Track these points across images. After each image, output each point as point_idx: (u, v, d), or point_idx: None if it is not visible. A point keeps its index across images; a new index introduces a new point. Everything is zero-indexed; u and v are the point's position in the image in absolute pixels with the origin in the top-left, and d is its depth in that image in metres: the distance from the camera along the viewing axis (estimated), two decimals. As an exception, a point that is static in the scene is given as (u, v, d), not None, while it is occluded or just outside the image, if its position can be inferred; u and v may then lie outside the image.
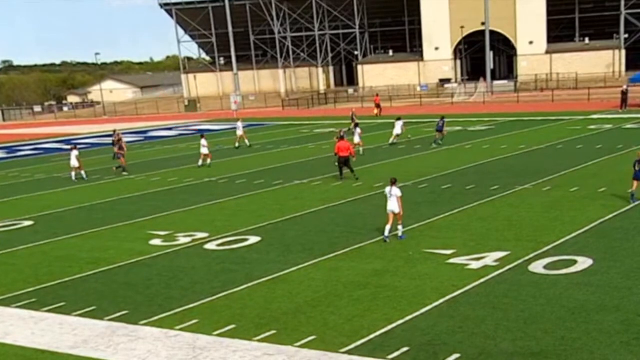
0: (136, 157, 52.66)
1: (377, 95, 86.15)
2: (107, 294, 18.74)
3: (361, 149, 44.89)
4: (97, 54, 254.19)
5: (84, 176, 42.04)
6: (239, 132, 55.14)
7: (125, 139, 66.17)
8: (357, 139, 44.99)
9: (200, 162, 44.41)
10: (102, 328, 16.17)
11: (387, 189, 22.49)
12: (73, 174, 42.10)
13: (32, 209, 32.76)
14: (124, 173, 43.28)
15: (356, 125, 48.60)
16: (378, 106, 79.94)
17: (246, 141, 54.81)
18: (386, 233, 22.36)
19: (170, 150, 56.47)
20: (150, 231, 26.15)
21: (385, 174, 35.73)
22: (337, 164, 35.74)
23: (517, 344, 13.57)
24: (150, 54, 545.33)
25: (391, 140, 49.59)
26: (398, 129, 49.79)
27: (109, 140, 66.17)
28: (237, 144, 54.75)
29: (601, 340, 13.52)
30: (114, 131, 55.01)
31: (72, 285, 19.82)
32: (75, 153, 42.09)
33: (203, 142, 44.40)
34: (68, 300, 18.41)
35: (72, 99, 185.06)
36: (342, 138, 36.76)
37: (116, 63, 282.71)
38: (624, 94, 67.30)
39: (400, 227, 22.80)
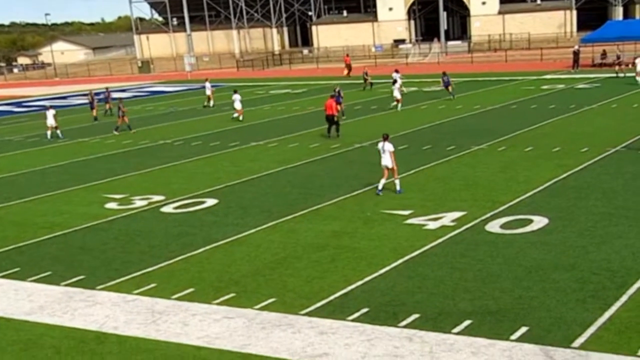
0: (89, 119, 51.91)
1: (348, 55, 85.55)
2: (62, 259, 18.52)
3: (399, 105, 45.79)
4: (47, 14, 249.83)
5: (60, 135, 42.46)
6: (208, 92, 55.30)
7: (77, 101, 65.53)
8: (397, 94, 46.00)
9: (235, 115, 45.72)
10: (58, 293, 15.99)
11: (380, 145, 22.89)
12: (49, 132, 42.62)
13: (-17, 173, 32.23)
14: (116, 132, 42.84)
15: (394, 81, 49.10)
16: (349, 67, 79.31)
17: (211, 102, 54.53)
18: (379, 187, 22.91)
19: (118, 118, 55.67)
20: (105, 194, 25.86)
21: (343, 135, 35.72)
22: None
23: (476, 303, 13.68)
24: (102, 15, 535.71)
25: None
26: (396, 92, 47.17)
27: (62, 102, 65.37)
28: (205, 103, 54.94)
29: (557, 298, 13.69)
30: (90, 91, 56.01)
31: (26, 251, 19.55)
32: (52, 112, 42.95)
33: (236, 96, 45.73)
34: (23, 265, 18.16)
35: (22, 60, 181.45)
36: (332, 96, 36.67)
37: (67, 24, 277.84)
38: (576, 54, 67.80)
39: (397, 181, 23.12)
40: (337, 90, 42.17)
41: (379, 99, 52.72)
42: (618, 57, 61.51)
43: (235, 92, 46.88)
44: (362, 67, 70.05)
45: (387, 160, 22.74)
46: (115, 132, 42.67)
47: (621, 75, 57.92)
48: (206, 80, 57.92)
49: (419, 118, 40.60)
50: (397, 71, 53.91)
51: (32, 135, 44.52)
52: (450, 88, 50.38)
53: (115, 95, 60.34)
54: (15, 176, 31.03)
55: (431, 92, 55.47)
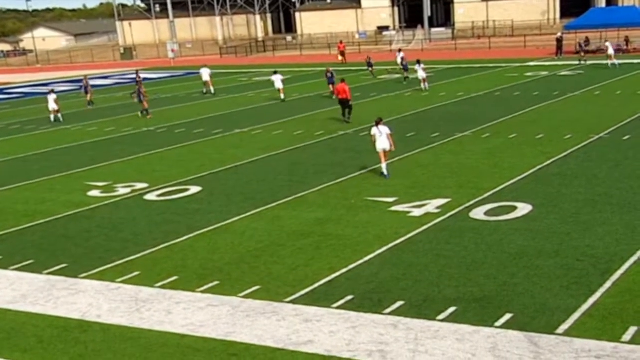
0: (72, 106, 51.63)
1: (342, 42, 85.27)
2: (45, 247, 18.40)
3: (426, 84, 47.58)
4: (28, 0, 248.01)
5: (61, 119, 43.55)
6: (206, 78, 54.81)
7: (59, 88, 65.16)
8: (422, 74, 47.39)
9: (283, 96, 46.70)
10: (41, 282, 15.88)
11: (375, 129, 23.15)
12: (52, 116, 43.73)
13: (-36, 160, 32.00)
14: (147, 114, 43.45)
15: (418, 62, 49.15)
16: (342, 54, 78.91)
17: (211, 88, 54.48)
18: (384, 170, 23.29)
19: (107, 100, 55.46)
20: (88, 182, 25.71)
21: (325, 122, 35.71)
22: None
23: (460, 290, 13.69)
24: (84, 1, 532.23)
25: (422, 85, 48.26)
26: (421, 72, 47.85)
27: (43, 89, 64.88)
28: (204, 90, 54.85)
29: (542, 285, 13.71)
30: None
31: (8, 239, 19.41)
32: (53, 96, 44.12)
33: (277, 77, 46.93)
34: (4, 254, 18.03)
35: (3, 47, 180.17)
36: (342, 80, 36.55)
37: (48, 10, 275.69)
38: (559, 41, 67.93)
39: (384, 165, 23.34)
40: (329, 72, 45.89)
41: (361, 86, 52.62)
42: (580, 45, 62.53)
43: (275, 72, 48.15)
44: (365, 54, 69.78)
45: (385, 144, 23.04)
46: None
47: (583, 62, 59.17)
48: (203, 66, 57.21)
49: (402, 105, 40.57)
50: (400, 50, 55.76)
51: (14, 123, 44.25)
52: (406, 72, 52.52)
53: (98, 82, 59.83)
54: (-3, 164, 30.82)
55: (415, 80, 55.38)
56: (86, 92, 53.27)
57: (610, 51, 55.64)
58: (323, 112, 39.47)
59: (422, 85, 47.50)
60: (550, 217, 17.98)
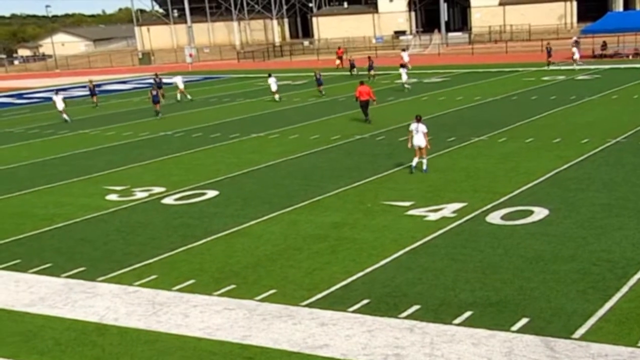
0: (90, 111, 51.89)
1: (340, 48, 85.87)
2: (63, 251, 18.53)
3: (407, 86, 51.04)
4: (47, 6, 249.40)
5: (68, 119, 46.28)
6: (180, 86, 55.56)
7: (78, 92, 65.50)
8: (405, 78, 51.11)
9: (277, 97, 49.57)
10: (59, 285, 16.00)
11: (413, 126, 24.11)
12: (64, 116, 46.68)
13: (-16, 165, 32.23)
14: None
15: (403, 66, 54.14)
16: (340, 58, 79.49)
17: (180, 96, 55.01)
18: (413, 164, 24.39)
19: (125, 104, 55.70)
20: (106, 186, 25.86)
21: (342, 126, 35.76)
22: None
23: (476, 294, 13.68)
24: (102, 6, 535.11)
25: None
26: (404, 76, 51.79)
27: (63, 94, 65.20)
28: (179, 97, 55.16)
29: (558, 289, 13.68)
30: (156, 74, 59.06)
31: (27, 242, 19.55)
32: (60, 97, 47.59)
33: (272, 79, 50.02)
34: (23, 257, 18.17)
35: (23, 52, 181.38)
36: (362, 83, 37.59)
37: (67, 15, 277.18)
38: (577, 43, 67.75)
39: (424, 160, 24.35)
40: (318, 74, 51.80)
41: (380, 90, 52.62)
42: (548, 50, 63.28)
43: (270, 75, 51.32)
44: (357, 59, 70.62)
45: (420, 140, 23.90)
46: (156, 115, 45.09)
47: (553, 67, 60.70)
48: (177, 73, 57.58)
49: (419, 110, 40.35)
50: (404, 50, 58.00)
51: (32, 127, 44.54)
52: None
53: (116, 87, 60.11)
54: (16, 168, 31.02)
55: (431, 84, 55.38)
56: (92, 95, 55.47)
57: (576, 55, 60.10)
58: (339, 117, 39.51)
59: (405, 87, 50.88)
60: (567, 222, 17.93)
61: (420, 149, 24.21)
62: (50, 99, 59.72)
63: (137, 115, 46.80)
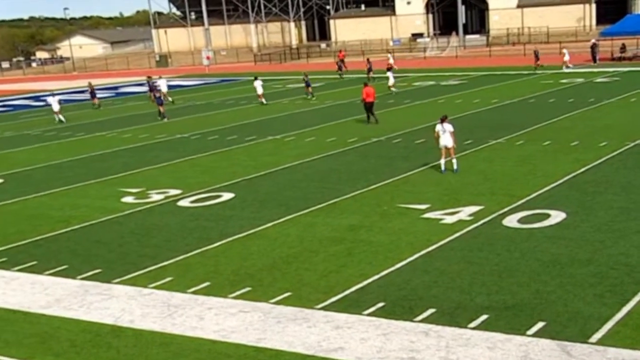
0: (107, 113, 52.10)
1: (341, 51, 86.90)
2: (79, 253, 18.57)
3: (394, 89, 51.87)
4: (65, 8, 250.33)
5: (61, 119, 47.96)
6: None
7: (98, 95, 65.76)
8: (392, 81, 51.83)
9: (264, 101, 50.91)
10: (74, 287, 16.03)
11: (439, 126, 24.17)
12: (59, 116, 48.37)
13: (0, 166, 32.36)
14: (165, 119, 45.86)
15: (389, 69, 56.23)
16: (342, 61, 79.87)
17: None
18: (442, 167, 24.54)
19: (142, 107, 55.86)
20: (122, 188, 25.92)
21: (358, 129, 35.74)
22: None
23: (492, 298, 13.60)
24: (120, 9, 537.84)
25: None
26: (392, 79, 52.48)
27: (80, 96, 65.69)
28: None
29: (575, 293, 13.59)
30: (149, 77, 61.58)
31: (43, 244, 19.62)
32: (56, 98, 49.06)
33: (258, 82, 51.30)
34: (39, 259, 18.23)
35: (41, 54, 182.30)
36: (366, 84, 38.80)
37: (85, 18, 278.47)
38: (593, 47, 67.46)
39: (454, 160, 24.53)
40: (306, 77, 53.63)
41: (394, 93, 52.58)
42: (536, 54, 64.01)
43: (256, 78, 52.50)
44: (374, 62, 70.68)
45: (447, 140, 24.03)
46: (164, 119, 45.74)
47: (540, 71, 61.39)
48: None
49: (436, 112, 40.30)
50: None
51: (50, 130, 44.74)
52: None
53: (133, 89, 60.37)
54: (32, 170, 31.16)
55: (449, 86, 55.26)
56: (92, 97, 57.14)
57: (566, 57, 61.90)
58: (356, 119, 39.43)
59: (391, 90, 51.70)
60: (584, 225, 17.82)
61: (447, 148, 24.30)
62: (68, 101, 60.21)
63: (154, 118, 46.89)
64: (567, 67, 61.20)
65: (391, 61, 67.14)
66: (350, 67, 76.42)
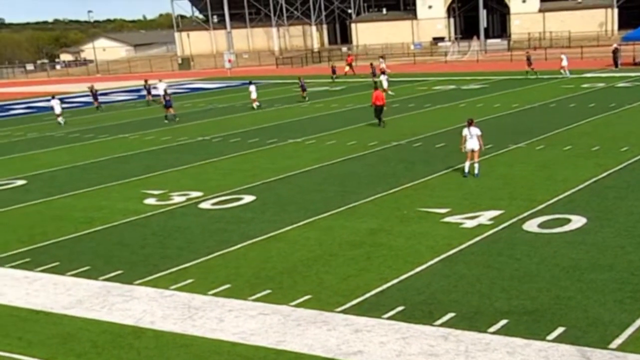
0: (129, 115, 52.39)
1: (350, 55, 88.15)
2: (101, 254, 18.73)
3: (390, 92, 52.15)
4: (89, 11, 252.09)
5: (61, 122, 49.11)
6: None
7: (118, 97, 66.28)
8: (385, 85, 51.98)
9: (255, 105, 51.36)
10: (96, 288, 16.18)
11: (466, 130, 24.32)
12: (60, 119, 49.47)
13: (24, 168, 32.67)
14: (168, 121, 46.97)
15: (382, 72, 56.86)
16: (350, 65, 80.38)
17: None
18: (466, 170, 24.57)
19: (164, 109, 56.03)
20: (144, 190, 26.09)
21: (378, 132, 35.77)
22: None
23: (512, 303, 13.61)
24: (143, 12, 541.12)
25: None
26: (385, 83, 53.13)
27: (102, 98, 66.20)
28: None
29: (595, 299, 13.57)
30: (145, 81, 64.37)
31: (66, 245, 19.80)
32: (57, 101, 50.45)
33: (252, 87, 52.07)
34: (62, 260, 18.40)
35: (65, 57, 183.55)
36: (376, 88, 39.92)
37: (109, 21, 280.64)
38: (615, 52, 67.15)
39: (476, 164, 24.55)
40: (301, 80, 55.65)
41: (415, 97, 52.59)
42: (528, 59, 63.47)
43: (250, 83, 54.11)
44: (395, 66, 71.22)
45: (474, 144, 24.16)
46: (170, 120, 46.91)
47: (532, 77, 61.39)
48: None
49: (456, 116, 40.32)
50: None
51: (73, 131, 45.06)
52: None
53: (155, 92, 60.66)
54: (56, 171, 31.42)
55: (470, 90, 55.17)
56: (95, 99, 58.81)
57: (564, 62, 61.68)
58: (376, 123, 39.44)
59: (388, 93, 51.46)
60: (605, 230, 17.78)
61: (473, 152, 24.35)
62: (90, 103, 60.62)
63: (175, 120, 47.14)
64: (565, 72, 61.21)
65: (383, 65, 67.68)
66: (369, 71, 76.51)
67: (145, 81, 63.79)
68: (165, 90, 50.58)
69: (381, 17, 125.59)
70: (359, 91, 59.86)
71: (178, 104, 58.19)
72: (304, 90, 54.80)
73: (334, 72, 73.78)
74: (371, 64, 68.52)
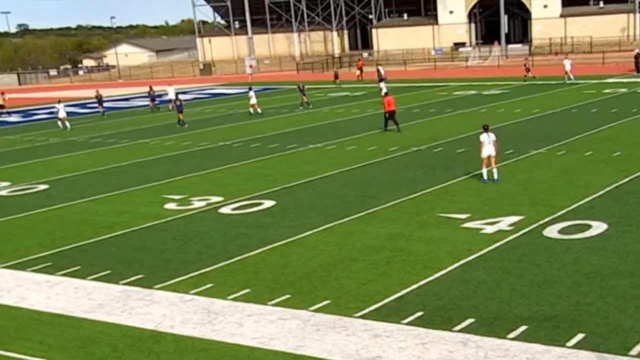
0: (150, 120, 52.65)
1: (360, 60, 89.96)
2: (122, 258, 18.84)
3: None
4: (112, 17, 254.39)
5: (68, 126, 50.24)
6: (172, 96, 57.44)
7: (140, 102, 66.75)
8: (384, 90, 49.86)
9: (252, 111, 51.78)
10: (117, 292, 16.27)
11: (484, 136, 24.40)
12: (60, 123, 50.82)
13: (47, 172, 32.91)
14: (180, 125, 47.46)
15: (381, 80, 57.34)
16: (360, 69, 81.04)
17: (171, 106, 56.36)
18: (485, 176, 24.57)
19: (185, 114, 56.26)
20: (164, 195, 26.21)
21: (399, 138, 35.75)
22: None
23: (532, 309, 13.56)
24: (165, 18, 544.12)
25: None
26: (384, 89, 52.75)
27: (124, 104, 66.76)
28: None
29: (615, 305, 13.50)
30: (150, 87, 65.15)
31: (87, 249, 19.93)
32: (62, 105, 51.77)
33: (252, 93, 52.79)
34: (83, 264, 18.51)
35: (88, 62, 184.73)
36: (386, 94, 40.51)
37: (131, 27, 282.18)
38: (637, 58, 66.74)
39: (495, 170, 24.61)
40: (301, 85, 56.14)
41: (436, 102, 52.51)
42: (525, 65, 65.30)
43: (250, 89, 54.75)
44: (416, 71, 71.38)
45: (491, 150, 24.24)
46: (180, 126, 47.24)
47: (529, 81, 62.71)
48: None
49: (477, 122, 40.14)
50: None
51: (95, 136, 45.33)
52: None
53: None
54: (78, 176, 31.62)
55: (490, 96, 55.01)
56: (100, 104, 59.88)
57: (568, 67, 61.80)
58: (395, 129, 39.43)
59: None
60: (626, 236, 17.68)
61: (490, 157, 24.41)
62: (113, 108, 61.02)
63: (197, 125, 47.36)
64: (569, 78, 61.05)
65: (382, 72, 69.32)
66: (389, 77, 76.59)
67: (150, 87, 64.57)
68: (176, 95, 51.13)
69: (402, 22, 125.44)
70: (380, 96, 59.83)
71: (199, 109, 58.55)
72: (303, 94, 55.27)
73: (336, 77, 75.27)
74: (377, 70, 69.48)
